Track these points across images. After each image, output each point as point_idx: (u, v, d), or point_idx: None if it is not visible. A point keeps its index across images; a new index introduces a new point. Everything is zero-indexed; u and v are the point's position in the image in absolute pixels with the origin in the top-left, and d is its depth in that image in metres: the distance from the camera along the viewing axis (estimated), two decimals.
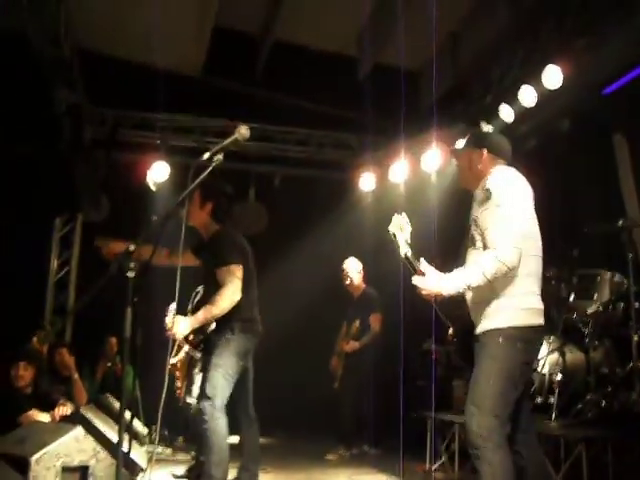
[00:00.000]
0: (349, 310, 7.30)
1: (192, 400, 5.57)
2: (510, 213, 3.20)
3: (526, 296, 3.26)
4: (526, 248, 3.21)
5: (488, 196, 3.25)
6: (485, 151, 3.48)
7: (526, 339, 3.26)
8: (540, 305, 3.32)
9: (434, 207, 7.80)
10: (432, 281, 3.23)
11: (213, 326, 4.40)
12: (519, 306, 3.23)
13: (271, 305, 5.78)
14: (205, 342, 4.45)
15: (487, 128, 6.83)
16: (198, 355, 4.99)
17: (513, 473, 3.12)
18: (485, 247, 3.24)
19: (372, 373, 7.23)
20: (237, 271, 4.32)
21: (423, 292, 3.29)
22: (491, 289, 3.21)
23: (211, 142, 7.70)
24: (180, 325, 4.14)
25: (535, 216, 3.34)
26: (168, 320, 4.27)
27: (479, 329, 3.29)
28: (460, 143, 3.61)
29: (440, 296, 3.26)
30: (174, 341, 4.24)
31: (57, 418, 4.91)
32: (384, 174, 8.40)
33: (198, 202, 4.50)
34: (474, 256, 3.32)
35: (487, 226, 3.23)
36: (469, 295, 3.36)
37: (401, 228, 3.49)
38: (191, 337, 4.45)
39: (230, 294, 4.25)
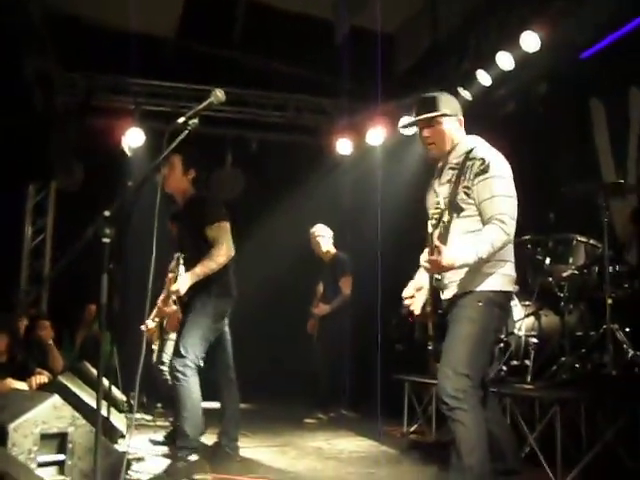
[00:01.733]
0: (321, 275, 7.35)
1: (164, 367, 5.56)
2: (511, 186, 3.24)
3: (509, 263, 3.31)
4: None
5: (485, 167, 3.22)
6: (460, 117, 3.47)
7: (502, 305, 3.31)
8: (515, 273, 3.36)
9: (410, 171, 7.81)
10: (448, 254, 3.06)
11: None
12: (502, 272, 3.27)
13: (249, 270, 5.79)
14: (182, 304, 4.48)
15: (464, 94, 6.81)
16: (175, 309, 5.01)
17: (485, 434, 3.17)
18: (483, 217, 3.22)
19: (349, 337, 7.28)
20: (227, 227, 4.37)
21: (433, 268, 3.14)
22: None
23: (186, 107, 7.58)
24: (181, 281, 4.17)
25: None
26: (172, 276, 4.28)
27: (457, 290, 3.29)
28: (420, 112, 3.47)
29: (449, 269, 3.15)
30: (178, 298, 4.27)
31: (34, 387, 4.89)
32: (361, 139, 8.37)
33: (181, 169, 4.51)
34: (462, 225, 3.27)
35: (489, 195, 3.19)
36: None
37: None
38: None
39: (226, 249, 4.32)
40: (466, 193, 3.26)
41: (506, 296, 3.34)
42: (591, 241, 5.10)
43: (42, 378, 4.98)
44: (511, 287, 3.36)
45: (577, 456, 3.97)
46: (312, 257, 7.32)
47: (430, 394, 5.62)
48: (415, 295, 3.49)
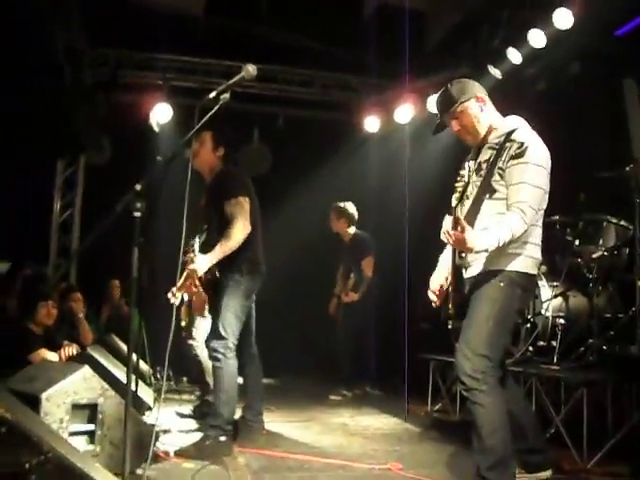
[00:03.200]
0: (342, 254, 7.32)
1: (194, 342, 5.62)
2: (544, 176, 3.19)
3: (536, 246, 3.29)
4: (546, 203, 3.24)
5: (521, 152, 3.16)
6: (480, 95, 3.40)
7: (524, 287, 3.29)
8: (540, 256, 3.34)
9: (439, 149, 7.75)
10: (471, 236, 2.99)
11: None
12: (528, 254, 3.25)
13: (276, 247, 5.80)
14: (213, 283, 4.49)
15: (494, 72, 6.73)
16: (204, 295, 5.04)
17: (506, 415, 3.16)
18: (507, 200, 3.18)
19: (374, 316, 7.28)
20: (245, 204, 4.37)
21: (453, 242, 3.06)
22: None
23: (214, 82, 7.57)
24: (200, 261, 4.19)
25: None
26: (191, 256, 4.30)
27: (480, 268, 3.26)
28: (440, 112, 3.45)
29: (467, 251, 3.14)
30: (196, 277, 4.29)
31: (64, 358, 4.98)
32: (389, 116, 8.31)
33: (211, 145, 4.53)
34: (494, 207, 3.22)
35: (517, 181, 3.14)
36: None
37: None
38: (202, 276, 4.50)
39: (242, 226, 4.30)
40: (500, 174, 3.22)
41: (529, 278, 3.30)
42: (622, 222, 5.04)
43: (72, 350, 5.07)
44: (535, 270, 3.33)
45: (603, 438, 3.95)
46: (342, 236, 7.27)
47: (455, 373, 5.62)
48: (442, 288, 3.48)
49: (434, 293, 3.54)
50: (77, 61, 7.28)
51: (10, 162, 7.19)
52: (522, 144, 3.17)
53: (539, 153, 3.21)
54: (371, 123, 8.57)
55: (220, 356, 4.26)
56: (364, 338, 7.15)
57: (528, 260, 3.25)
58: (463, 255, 3.32)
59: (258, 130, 8.75)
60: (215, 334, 4.33)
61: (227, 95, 3.07)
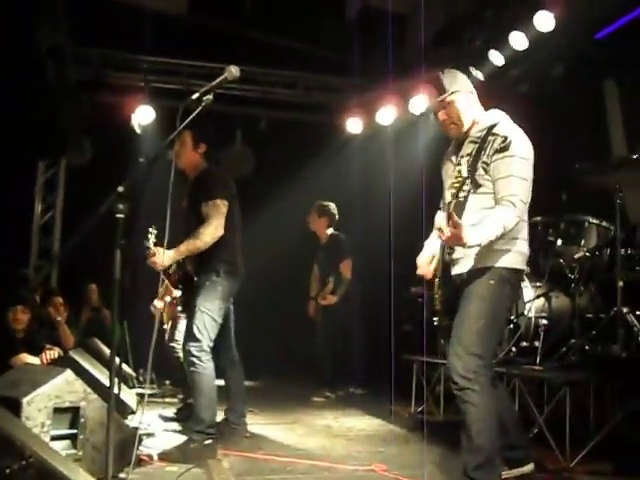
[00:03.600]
0: (318, 255, 7.27)
1: (176, 344, 5.59)
2: (529, 168, 3.20)
3: (524, 241, 3.30)
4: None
5: (506, 145, 3.17)
6: (474, 93, 3.44)
7: (513, 283, 3.30)
8: (528, 251, 3.35)
9: (421, 150, 7.77)
10: (465, 231, 2.96)
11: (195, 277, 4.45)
12: (517, 249, 3.25)
13: (257, 249, 5.80)
14: (189, 284, 4.47)
15: (476, 73, 6.76)
16: (177, 294, 5.02)
17: (496, 415, 3.17)
18: (496, 195, 3.18)
19: (357, 317, 7.28)
20: (222, 207, 4.32)
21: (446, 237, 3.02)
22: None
23: (197, 84, 7.56)
24: (162, 256, 4.14)
25: None
26: (149, 244, 4.25)
27: (469, 266, 3.26)
28: (432, 91, 3.45)
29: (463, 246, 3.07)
30: (164, 275, 4.26)
31: (45, 362, 4.94)
32: (371, 117, 8.33)
33: (191, 144, 4.50)
34: (478, 201, 3.22)
35: (504, 174, 3.14)
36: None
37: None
38: (171, 271, 4.50)
39: (213, 229, 4.26)
40: (484, 169, 3.22)
41: (518, 274, 3.32)
42: (603, 223, 5.08)
43: (54, 353, 5.03)
44: (523, 265, 3.34)
45: (585, 437, 3.98)
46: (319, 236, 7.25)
47: (438, 374, 5.64)
48: (430, 262, 3.48)
49: (422, 269, 3.51)
50: (59, 60, 7.22)
51: None
52: (506, 138, 3.18)
53: (523, 145, 3.22)
54: (353, 125, 8.59)
55: (195, 360, 4.20)
56: (346, 340, 7.14)
57: (517, 255, 3.26)
58: (450, 251, 3.32)
59: (240, 132, 8.73)
60: (189, 336, 4.27)
61: (210, 97, 3.06)
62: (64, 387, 3.27)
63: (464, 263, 3.29)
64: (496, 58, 6.46)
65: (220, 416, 4.74)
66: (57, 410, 3.22)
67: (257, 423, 5.11)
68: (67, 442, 3.27)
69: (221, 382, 4.76)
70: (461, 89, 3.40)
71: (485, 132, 3.29)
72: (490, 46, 6.49)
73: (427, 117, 7.80)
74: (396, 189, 8.04)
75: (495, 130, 3.25)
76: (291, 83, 8.55)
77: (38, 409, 3.11)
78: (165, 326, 6.29)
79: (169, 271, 4.59)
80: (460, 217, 3.11)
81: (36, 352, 5.02)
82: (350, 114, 8.59)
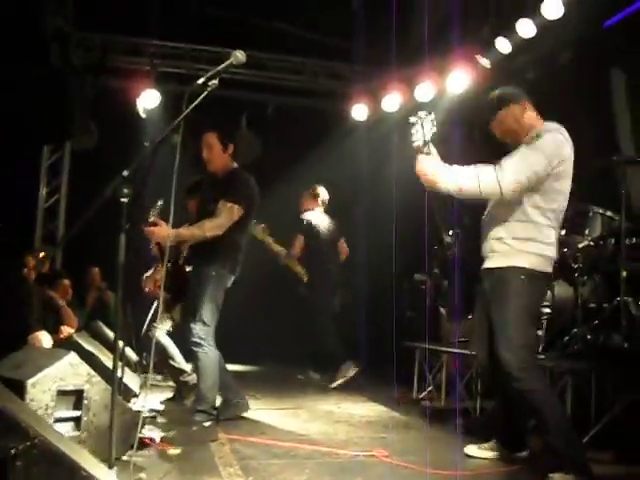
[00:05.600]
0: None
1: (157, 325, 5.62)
2: (537, 158, 3.34)
3: (551, 246, 3.47)
4: (561, 204, 3.47)
5: (534, 140, 3.38)
6: (524, 101, 3.60)
7: (542, 283, 3.53)
8: (555, 255, 3.54)
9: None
10: (431, 165, 3.33)
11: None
12: (544, 253, 3.44)
13: None
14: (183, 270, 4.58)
15: (482, 61, 6.73)
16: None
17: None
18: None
19: (359, 303, 7.24)
20: (236, 213, 4.40)
21: (422, 177, 3.39)
22: (524, 229, 3.40)
23: (202, 69, 7.56)
24: (163, 231, 4.20)
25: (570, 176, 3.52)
26: (152, 215, 4.30)
27: (499, 263, 3.46)
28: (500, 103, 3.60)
29: (433, 187, 3.37)
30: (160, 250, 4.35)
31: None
32: (377, 105, 8.31)
33: (220, 146, 4.54)
34: (508, 211, 3.46)
35: (513, 155, 3.38)
36: (493, 229, 3.52)
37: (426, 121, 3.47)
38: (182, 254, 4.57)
39: (216, 227, 4.37)
40: None
41: (545, 276, 3.50)
42: (608, 213, 5.06)
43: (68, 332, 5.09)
44: (550, 269, 3.51)
45: (586, 425, 3.99)
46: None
47: (440, 361, 5.65)
48: None
49: None
50: (64, 44, 7.21)
51: None
52: (539, 135, 3.39)
53: (551, 145, 3.38)
54: (359, 111, 8.57)
55: (203, 342, 4.36)
56: (348, 326, 7.11)
57: (543, 259, 3.45)
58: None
59: (247, 118, 8.71)
60: (199, 319, 4.39)
61: (216, 81, 3.06)
62: (68, 370, 3.29)
63: (493, 259, 3.51)
64: (503, 46, 6.42)
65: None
66: (61, 392, 3.23)
67: (259, 408, 5.13)
68: (71, 424, 3.28)
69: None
70: (515, 101, 3.59)
71: (531, 139, 3.46)
72: (497, 33, 6.46)
73: (432, 104, 7.79)
74: (401, 176, 7.99)
75: (537, 133, 3.44)
76: (297, 69, 8.54)
77: (42, 391, 3.13)
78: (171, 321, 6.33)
79: (179, 260, 4.72)
80: (492, 225, 3.49)
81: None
82: (356, 101, 8.57)
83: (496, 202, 3.50)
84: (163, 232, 4.24)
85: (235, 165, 4.65)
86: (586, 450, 3.46)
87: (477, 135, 7.88)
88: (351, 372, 6.57)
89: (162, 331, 5.57)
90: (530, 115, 3.61)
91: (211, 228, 4.34)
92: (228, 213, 4.39)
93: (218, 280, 4.47)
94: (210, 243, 4.37)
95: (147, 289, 5.79)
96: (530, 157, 3.34)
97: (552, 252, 3.48)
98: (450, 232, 5.16)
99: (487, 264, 3.57)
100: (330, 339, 6.74)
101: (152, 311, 5.28)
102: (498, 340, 3.40)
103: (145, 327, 5.64)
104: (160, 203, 4.48)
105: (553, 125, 3.55)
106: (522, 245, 3.41)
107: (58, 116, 7.51)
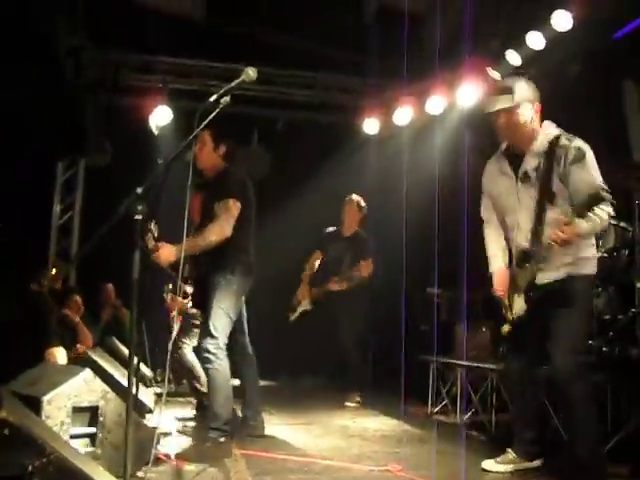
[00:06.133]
0: (331, 246, 6.89)
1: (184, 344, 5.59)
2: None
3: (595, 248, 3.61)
4: None
5: (582, 155, 3.38)
6: (537, 103, 3.61)
7: (593, 287, 3.75)
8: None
9: (438, 151, 7.76)
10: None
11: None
12: (595, 256, 3.57)
13: (273, 249, 5.82)
14: (204, 281, 4.49)
15: (493, 74, 6.74)
16: (189, 290, 5.05)
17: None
18: (577, 199, 3.37)
19: (368, 316, 7.18)
20: (234, 208, 4.33)
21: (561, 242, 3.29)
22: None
23: (214, 86, 7.61)
24: (165, 251, 4.16)
25: None
26: (148, 241, 4.26)
27: (560, 274, 3.47)
28: (504, 101, 3.56)
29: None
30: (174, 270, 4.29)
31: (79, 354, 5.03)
32: (389, 118, 8.33)
33: (211, 145, 4.52)
34: (553, 214, 3.43)
35: (583, 184, 3.36)
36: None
37: None
38: (186, 272, 4.50)
39: (219, 229, 4.28)
40: (562, 180, 3.41)
41: (595, 278, 3.65)
42: (621, 224, 5.04)
43: (84, 348, 5.11)
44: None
45: (602, 439, 3.95)
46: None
47: (455, 375, 5.63)
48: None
49: (500, 288, 3.73)
50: (78, 61, 7.28)
51: (9, 163, 7.18)
52: (580, 148, 3.40)
53: (591, 153, 3.44)
54: (370, 125, 8.59)
55: (212, 357, 4.23)
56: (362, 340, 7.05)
57: (596, 262, 3.56)
58: (528, 265, 3.53)
59: (257, 133, 8.75)
60: (206, 334, 4.29)
61: (227, 98, 3.09)
62: (83, 386, 3.31)
63: (550, 271, 3.50)
64: (513, 58, 6.44)
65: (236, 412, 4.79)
66: (76, 409, 3.25)
67: (274, 423, 5.12)
68: (86, 440, 3.30)
69: (236, 382, 4.78)
70: (527, 101, 3.55)
71: (549, 146, 3.47)
72: (507, 46, 6.48)
73: (443, 118, 7.81)
74: (412, 190, 8.03)
75: (563, 142, 3.45)
76: (308, 84, 8.57)
77: (58, 408, 3.15)
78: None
79: (183, 272, 4.61)
80: (538, 229, 3.46)
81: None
82: (367, 114, 8.60)
83: (550, 220, 3.47)
84: (166, 253, 4.15)
85: (225, 165, 4.60)
86: (606, 462, 3.45)
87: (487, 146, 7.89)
88: (358, 398, 6.44)
89: (189, 347, 5.50)
90: (537, 119, 3.62)
91: (214, 232, 4.25)
92: (226, 211, 4.29)
93: (227, 286, 4.35)
94: (215, 249, 4.29)
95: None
96: (597, 176, 3.38)
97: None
98: None
99: (546, 277, 3.52)
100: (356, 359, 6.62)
101: (176, 326, 5.25)
102: (559, 342, 3.43)
103: (172, 343, 5.64)
104: (153, 227, 4.40)
105: (554, 126, 3.62)
106: (589, 251, 3.49)
107: (72, 133, 7.57)
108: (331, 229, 6.95)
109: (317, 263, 6.96)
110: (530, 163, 3.53)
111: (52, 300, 6.10)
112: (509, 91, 3.53)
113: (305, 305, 6.84)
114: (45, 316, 5.21)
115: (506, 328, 3.71)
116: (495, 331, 3.98)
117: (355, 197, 6.93)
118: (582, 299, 3.48)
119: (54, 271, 6.91)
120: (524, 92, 3.55)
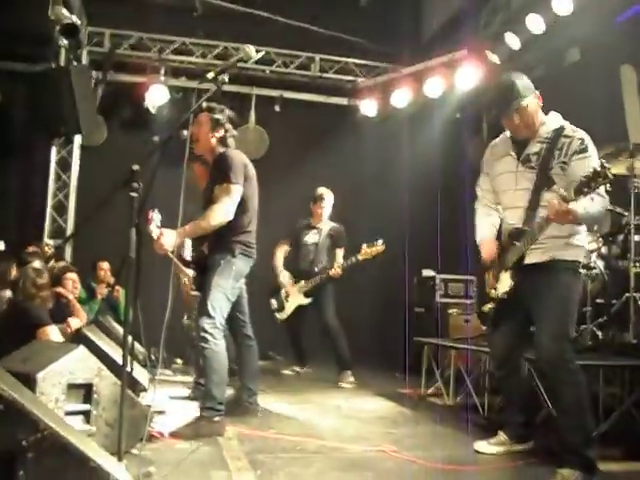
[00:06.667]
0: (301, 237, 6.99)
1: (191, 322, 5.62)
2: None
3: (585, 236, 3.63)
4: None
5: (585, 147, 3.43)
6: (536, 92, 3.64)
7: (580, 274, 3.66)
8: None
9: (436, 133, 7.75)
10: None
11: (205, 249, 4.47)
12: (585, 245, 3.61)
13: (270, 229, 5.77)
14: (204, 262, 4.48)
15: (492, 57, 6.72)
16: (190, 273, 5.03)
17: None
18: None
19: (369, 299, 7.22)
20: (235, 191, 4.30)
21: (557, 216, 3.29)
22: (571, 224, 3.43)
23: (211, 64, 7.56)
24: (167, 237, 4.13)
25: None
26: (152, 228, 4.24)
27: (546, 256, 3.49)
28: (502, 104, 3.60)
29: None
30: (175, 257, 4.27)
31: (70, 332, 5.00)
32: (386, 100, 8.30)
33: (209, 128, 4.48)
34: (551, 198, 3.39)
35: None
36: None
37: None
38: (188, 256, 4.48)
39: (221, 212, 4.25)
40: (562, 168, 3.45)
41: (581, 266, 3.65)
42: (617, 209, 5.05)
43: (75, 322, 5.09)
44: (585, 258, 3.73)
45: (595, 422, 3.98)
46: (336, 217, 7.11)
47: (449, 356, 5.65)
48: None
49: (491, 252, 3.77)
50: (74, 39, 7.21)
51: (4, 142, 7.15)
52: (583, 140, 3.46)
53: (594, 146, 3.48)
54: (368, 107, 8.56)
55: (208, 337, 4.21)
56: (358, 321, 7.07)
57: (584, 250, 3.64)
58: (519, 243, 3.56)
59: (255, 112, 8.70)
60: (203, 313, 4.27)
61: (225, 76, 3.06)
62: (77, 363, 3.30)
63: (538, 254, 3.52)
64: (513, 41, 6.40)
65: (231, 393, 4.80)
66: (71, 386, 3.24)
67: (268, 402, 5.13)
68: (81, 417, 3.30)
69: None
70: (530, 93, 3.60)
71: (553, 133, 3.54)
72: (507, 29, 6.44)
73: (441, 100, 7.78)
74: (410, 172, 8.01)
75: (567, 132, 3.52)
76: (306, 64, 8.53)
77: (52, 384, 3.14)
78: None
79: (183, 255, 4.62)
80: (533, 211, 3.52)
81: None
82: (365, 96, 8.56)
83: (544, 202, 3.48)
84: (168, 239, 4.12)
85: (222, 149, 4.54)
86: (595, 446, 3.45)
87: (485, 129, 7.88)
88: (351, 378, 6.48)
89: None
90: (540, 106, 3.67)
91: (215, 215, 4.23)
92: (226, 194, 4.26)
93: (227, 267, 4.33)
94: (216, 231, 4.28)
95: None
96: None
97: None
98: None
99: (533, 259, 3.54)
100: (342, 341, 6.66)
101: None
102: (544, 325, 3.44)
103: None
104: (156, 214, 4.38)
105: (559, 117, 3.66)
106: (576, 239, 3.50)
107: (66, 112, 7.51)
108: (305, 221, 7.02)
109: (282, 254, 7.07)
110: (533, 148, 3.59)
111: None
112: (512, 90, 3.56)
113: (299, 300, 6.85)
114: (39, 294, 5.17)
115: (488, 306, 3.75)
116: (478, 311, 3.94)
117: (320, 193, 6.94)
118: (567, 283, 3.49)
119: (46, 249, 6.88)
120: (526, 85, 3.60)
